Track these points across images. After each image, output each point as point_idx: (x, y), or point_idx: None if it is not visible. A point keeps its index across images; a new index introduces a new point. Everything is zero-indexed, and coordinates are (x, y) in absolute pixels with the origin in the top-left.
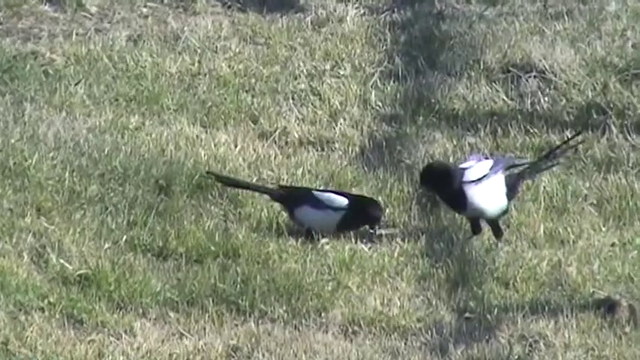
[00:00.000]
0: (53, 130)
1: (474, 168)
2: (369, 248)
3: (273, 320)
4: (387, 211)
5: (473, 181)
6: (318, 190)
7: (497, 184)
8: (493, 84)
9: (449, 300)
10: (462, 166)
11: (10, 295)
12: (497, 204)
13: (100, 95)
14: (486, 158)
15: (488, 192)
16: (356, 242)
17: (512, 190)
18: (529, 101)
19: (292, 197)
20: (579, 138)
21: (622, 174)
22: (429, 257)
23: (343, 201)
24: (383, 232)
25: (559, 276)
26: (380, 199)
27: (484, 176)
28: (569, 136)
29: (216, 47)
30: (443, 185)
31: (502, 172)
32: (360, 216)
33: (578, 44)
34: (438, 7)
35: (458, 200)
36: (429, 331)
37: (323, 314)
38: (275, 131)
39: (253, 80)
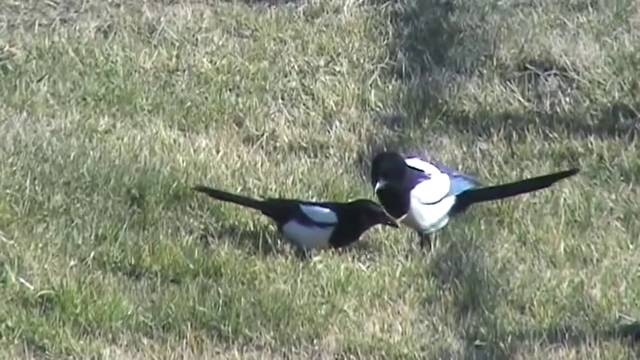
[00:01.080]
0: (12, 133)
1: (428, 187)
2: (368, 267)
3: (260, 347)
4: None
5: (424, 203)
6: (306, 203)
7: (445, 205)
8: (508, 83)
9: (457, 326)
10: (412, 163)
11: None
12: (437, 223)
13: (65, 94)
14: (435, 165)
15: (432, 213)
16: (353, 260)
17: (458, 210)
18: (548, 102)
19: (280, 211)
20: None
21: None
22: (434, 277)
23: (331, 216)
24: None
25: (581, 299)
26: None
27: (436, 202)
28: (561, 171)
29: (197, 40)
30: (390, 182)
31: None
32: (356, 224)
33: (604, 38)
34: None
35: (396, 205)
36: None
37: (315, 341)
38: (262, 135)
39: (238, 77)
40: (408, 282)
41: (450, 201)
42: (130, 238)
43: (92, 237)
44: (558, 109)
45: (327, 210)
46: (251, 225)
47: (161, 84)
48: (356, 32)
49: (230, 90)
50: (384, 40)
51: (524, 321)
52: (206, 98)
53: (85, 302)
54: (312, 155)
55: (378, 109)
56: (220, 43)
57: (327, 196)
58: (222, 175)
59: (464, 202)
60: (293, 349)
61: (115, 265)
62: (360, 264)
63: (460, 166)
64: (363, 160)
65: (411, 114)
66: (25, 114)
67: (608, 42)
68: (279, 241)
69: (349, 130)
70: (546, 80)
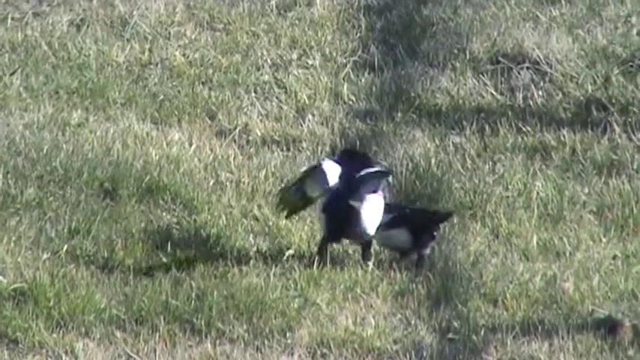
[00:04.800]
0: None
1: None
2: (340, 261)
3: (233, 341)
4: None
5: None
6: None
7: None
8: (481, 76)
9: (430, 319)
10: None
11: None
12: None
13: (38, 87)
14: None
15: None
16: (325, 254)
17: None
18: (521, 96)
19: None
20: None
21: (625, 178)
22: (407, 271)
23: None
24: None
25: (554, 292)
26: None
27: None
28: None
29: (169, 33)
30: None
31: None
32: None
33: (577, 32)
34: None
35: None
36: (408, 354)
37: (288, 334)
38: (235, 129)
39: (211, 71)
40: (380, 275)
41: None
42: (103, 232)
43: (65, 230)
44: (531, 103)
45: None
46: (224, 218)
47: (134, 77)
48: (328, 26)
49: (203, 84)
50: (356, 34)
51: (497, 314)
52: (179, 92)
53: (57, 296)
54: (284, 149)
55: (350, 102)
56: (193, 36)
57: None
58: (195, 169)
59: None
60: (266, 342)
61: (87, 258)
62: (333, 257)
63: (433, 160)
64: (335, 154)
65: (384, 107)
66: None
67: (580, 35)
68: (251, 235)
69: (322, 124)
70: (519, 73)
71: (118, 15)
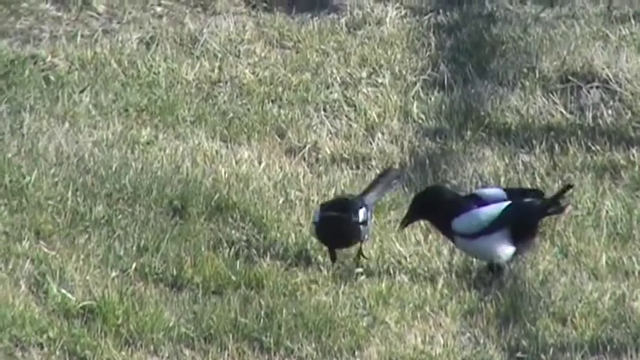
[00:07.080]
0: (55, 144)
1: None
2: (409, 279)
3: (301, 359)
4: (430, 237)
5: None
6: None
7: None
8: (550, 95)
9: (499, 338)
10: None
11: (6, 328)
12: None
13: (107, 105)
14: None
15: None
16: (394, 272)
17: None
18: (590, 115)
19: None
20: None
21: None
22: (476, 290)
23: None
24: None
25: (623, 312)
26: (422, 224)
27: None
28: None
29: (239, 51)
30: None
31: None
32: None
33: None
34: (488, 8)
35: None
36: None
37: (357, 353)
38: (304, 147)
39: (280, 89)
40: (449, 294)
41: None
42: (172, 250)
43: (134, 248)
44: (600, 122)
45: None
46: (293, 237)
47: (203, 95)
48: (398, 44)
49: (272, 101)
50: (426, 52)
51: (565, 333)
52: (248, 110)
53: (126, 313)
54: (354, 167)
55: (420, 120)
56: (263, 54)
57: None
58: (264, 187)
59: None
60: None
61: (156, 276)
62: (402, 276)
63: (503, 179)
64: (405, 172)
65: (453, 126)
66: (67, 125)
67: None
68: (320, 254)
69: (391, 142)
70: (588, 92)
71: (188, 33)
